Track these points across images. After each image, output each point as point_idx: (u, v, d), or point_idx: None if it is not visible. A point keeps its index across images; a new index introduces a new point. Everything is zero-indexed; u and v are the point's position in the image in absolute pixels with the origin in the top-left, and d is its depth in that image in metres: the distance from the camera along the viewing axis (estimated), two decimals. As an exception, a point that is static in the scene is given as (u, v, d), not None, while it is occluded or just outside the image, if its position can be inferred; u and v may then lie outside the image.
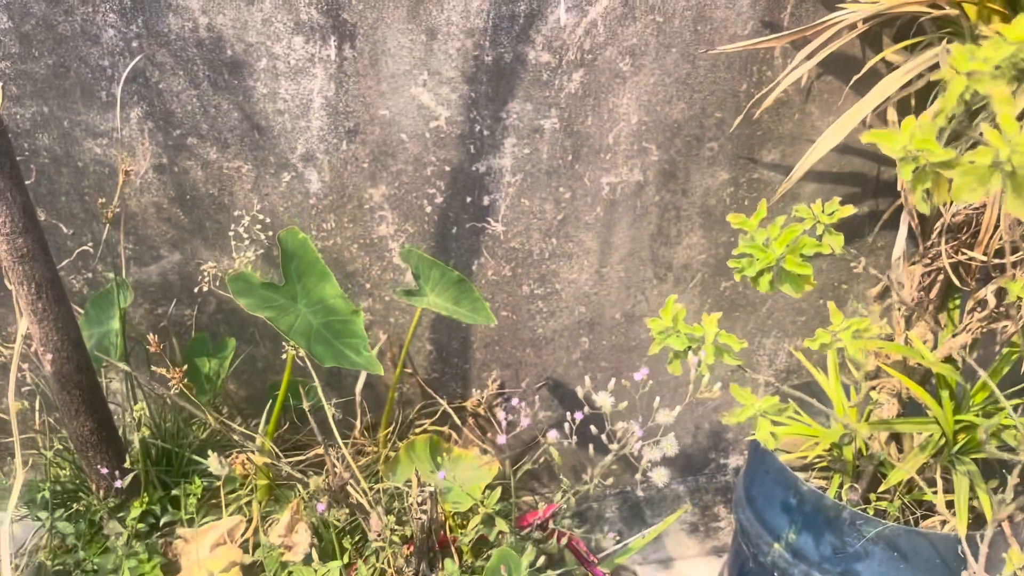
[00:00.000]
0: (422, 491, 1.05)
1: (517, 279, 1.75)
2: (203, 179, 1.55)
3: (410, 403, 1.86)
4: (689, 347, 0.94)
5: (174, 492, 1.37)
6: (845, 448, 1.65)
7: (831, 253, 0.96)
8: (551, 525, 1.19)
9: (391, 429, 1.61)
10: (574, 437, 0.99)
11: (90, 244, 1.56)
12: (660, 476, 0.92)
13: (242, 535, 1.28)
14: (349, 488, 1.12)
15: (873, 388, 1.69)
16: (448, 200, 1.65)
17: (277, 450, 1.30)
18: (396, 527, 1.13)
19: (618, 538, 1.44)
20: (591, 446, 1.05)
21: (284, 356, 1.23)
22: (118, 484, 1.23)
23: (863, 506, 1.60)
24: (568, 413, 1.00)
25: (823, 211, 0.92)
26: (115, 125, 1.47)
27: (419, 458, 1.19)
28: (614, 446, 0.94)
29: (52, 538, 1.31)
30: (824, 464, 1.69)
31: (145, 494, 1.36)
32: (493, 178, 1.64)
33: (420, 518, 1.09)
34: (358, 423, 1.65)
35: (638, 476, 0.93)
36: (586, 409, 0.99)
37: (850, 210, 0.92)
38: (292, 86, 1.49)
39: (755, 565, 1.76)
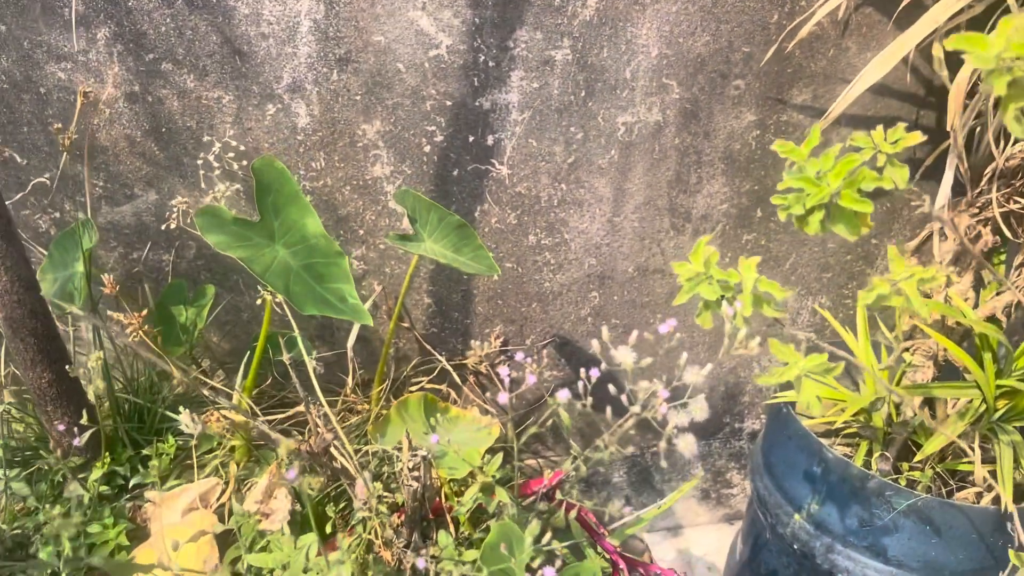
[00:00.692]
0: (413, 455, 0.93)
1: (523, 228, 1.62)
2: (180, 110, 1.40)
3: (406, 359, 1.74)
4: (723, 296, 0.81)
5: (145, 451, 1.25)
6: (875, 414, 1.52)
7: (888, 191, 0.82)
8: (557, 495, 1.07)
9: (385, 386, 1.48)
10: (589, 399, 0.86)
11: (48, 177, 1.42)
12: (688, 445, 0.79)
13: (217, 499, 1.16)
14: (333, 450, 1.00)
15: (907, 349, 1.56)
16: (449, 139, 1.50)
17: (254, 407, 1.18)
18: (385, 494, 1.01)
19: (629, 508, 1.33)
20: (608, 408, 0.92)
21: (260, 302, 1.10)
22: (77, 442, 1.11)
23: (894, 476, 1.48)
24: (583, 370, 0.87)
25: (885, 139, 0.78)
26: (81, 47, 1.33)
27: (412, 418, 1.07)
28: (635, 408, 0.81)
29: (9, 500, 1.19)
30: (853, 431, 1.57)
31: (108, 454, 1.24)
32: (498, 115, 1.50)
33: (411, 485, 0.97)
34: (349, 379, 1.52)
35: (662, 444, 0.80)
36: (603, 366, 0.86)
37: (917, 137, 0.78)
38: (277, 6, 1.34)
39: (773, 536, 1.65)
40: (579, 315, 1.75)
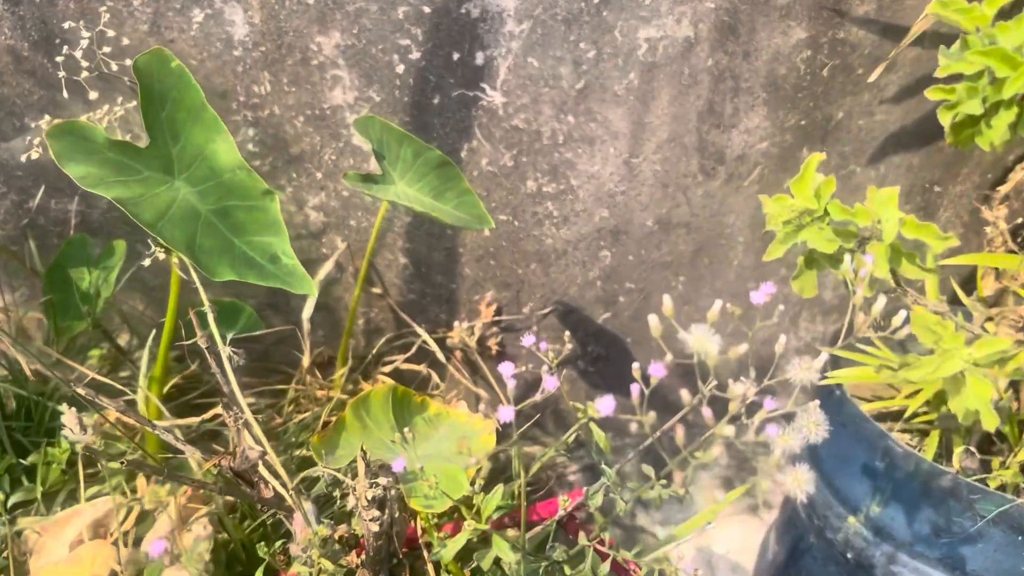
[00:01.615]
0: (374, 484, 0.64)
1: (520, 171, 1.31)
2: (76, 13, 1.08)
3: (379, 332, 1.44)
4: (844, 249, 0.52)
5: (31, 459, 0.95)
6: (953, 399, 1.24)
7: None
8: (573, 517, 0.79)
9: (348, 368, 1.19)
10: (648, 412, 0.57)
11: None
12: (801, 481, 0.51)
13: (121, 524, 0.87)
14: (262, 471, 0.71)
15: (990, 318, 1.28)
16: (427, 56, 1.19)
17: (161, 406, 0.89)
18: (336, 531, 0.72)
19: (661, 527, 1.06)
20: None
21: (146, 263, 0.80)
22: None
23: (981, 476, 1.21)
24: (638, 368, 0.58)
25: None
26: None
27: (375, 421, 0.78)
28: (726, 429, 0.53)
29: None
30: (924, 419, 1.29)
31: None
32: (490, 26, 1.18)
33: (373, 523, 0.68)
34: (305, 359, 1.23)
35: (764, 482, 0.53)
36: (667, 358, 0.58)
37: None
38: None
39: (819, 541, 1.38)
40: (587, 278, 1.45)
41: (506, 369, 0.61)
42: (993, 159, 1.49)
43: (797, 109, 1.36)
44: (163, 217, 0.72)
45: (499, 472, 1.16)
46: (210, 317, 0.71)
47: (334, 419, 0.77)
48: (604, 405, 0.54)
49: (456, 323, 1.43)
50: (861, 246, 0.54)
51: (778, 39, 1.29)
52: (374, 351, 1.34)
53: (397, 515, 0.71)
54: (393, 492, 0.69)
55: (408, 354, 1.36)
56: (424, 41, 1.18)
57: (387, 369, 1.29)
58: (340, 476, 0.67)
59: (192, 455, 0.74)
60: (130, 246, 1.15)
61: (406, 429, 0.75)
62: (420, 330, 1.36)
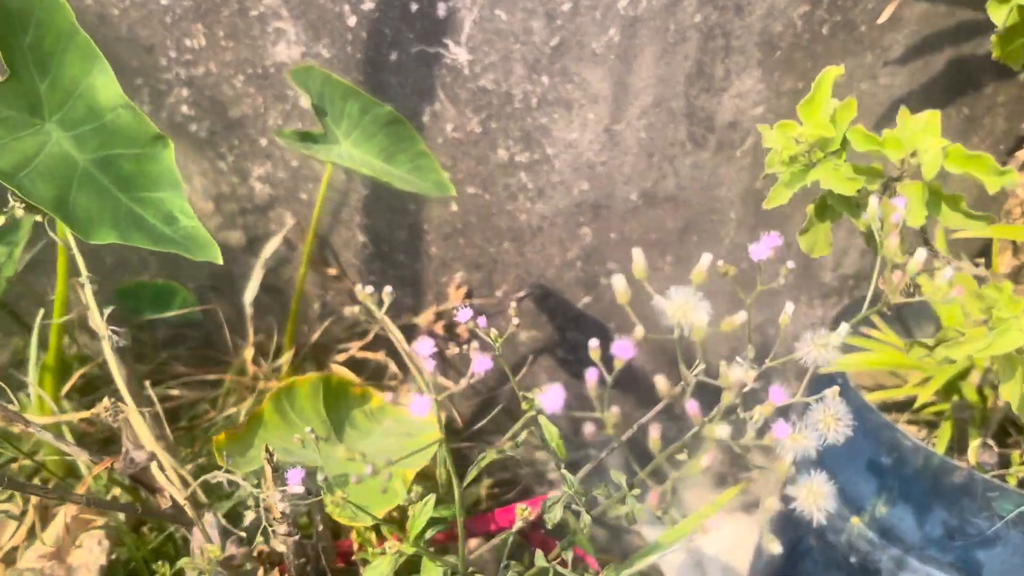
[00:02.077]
0: (284, 495, 0.52)
1: (490, 138, 1.19)
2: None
3: (338, 319, 1.32)
4: (867, 191, 0.40)
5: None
6: (967, 387, 1.13)
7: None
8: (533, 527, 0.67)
9: (291, 355, 1.06)
10: (611, 408, 0.45)
11: None
12: (817, 496, 0.40)
13: (9, 540, 0.74)
14: (156, 473, 0.59)
15: (1008, 299, 1.17)
16: (382, 7, 1.06)
17: (51, 403, 0.76)
18: (254, 546, 0.60)
19: (640, 532, 0.94)
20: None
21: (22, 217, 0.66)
22: None
23: (999, 472, 1.09)
24: (596, 347, 0.46)
25: None
26: None
27: (301, 415, 0.66)
28: (720, 430, 0.41)
29: None
30: (933, 409, 1.17)
31: None
32: (452, -27, 1.06)
33: (288, 538, 0.55)
34: (248, 349, 1.10)
35: (770, 501, 0.41)
36: (638, 330, 0.46)
37: None
38: None
39: (819, 543, 1.26)
40: (565, 258, 1.33)
41: (423, 347, 0.49)
42: (1007, 126, 1.37)
43: (794, 71, 1.23)
44: (27, 167, 0.59)
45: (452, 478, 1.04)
46: (87, 289, 0.58)
47: (248, 418, 0.64)
48: (551, 397, 0.42)
49: (423, 307, 1.30)
50: (889, 188, 0.42)
51: (774, -9, 1.16)
52: (315, 337, 1.21)
53: (321, 528, 0.58)
54: (312, 502, 0.57)
55: (365, 340, 1.24)
56: (377, -11, 1.06)
57: (341, 357, 1.16)
58: (242, 482, 0.55)
59: (78, 456, 0.62)
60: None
61: (341, 420, 0.62)
62: (379, 313, 1.23)
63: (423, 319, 1.29)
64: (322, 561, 0.61)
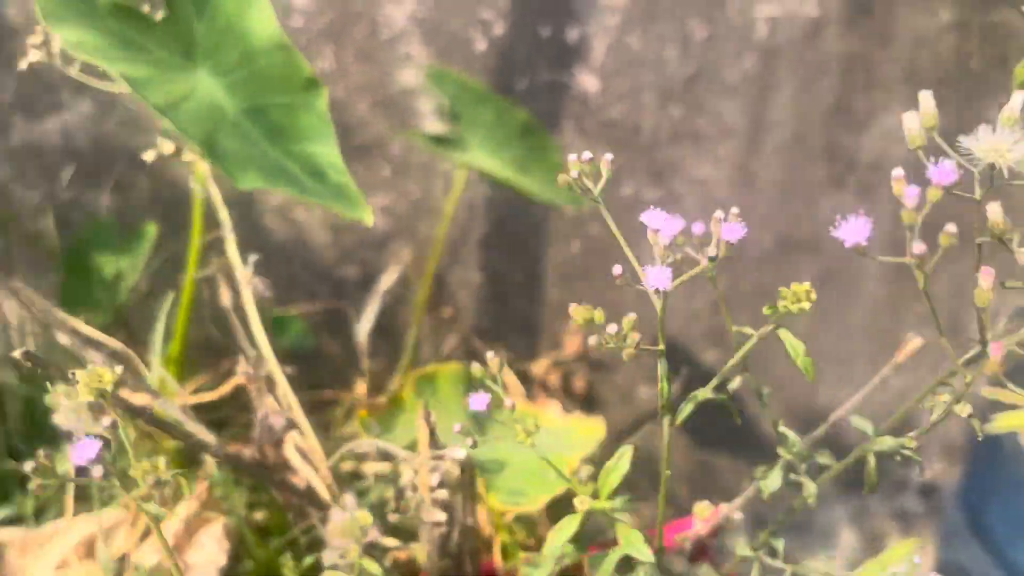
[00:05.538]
0: (439, 460, 0.44)
1: (616, 172, 1.13)
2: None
3: (439, 359, 1.25)
4: None
5: (30, 466, 0.78)
6: None
7: None
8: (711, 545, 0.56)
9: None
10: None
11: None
12: None
13: (121, 542, 0.68)
14: (290, 452, 0.52)
15: None
16: (513, 32, 1.04)
17: (173, 382, 0.70)
18: (389, 542, 0.52)
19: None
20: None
21: (148, 156, 0.61)
22: None
23: None
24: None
25: None
26: None
27: (443, 405, 0.59)
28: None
29: None
30: None
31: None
32: (586, -3, 1.04)
33: (439, 525, 0.47)
34: (361, 384, 1.04)
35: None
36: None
37: None
38: None
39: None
40: (692, 308, 1.24)
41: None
42: None
43: (942, 108, 1.15)
44: (179, 109, 0.56)
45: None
46: (231, 245, 0.53)
47: (388, 399, 0.57)
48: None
49: (538, 354, 1.23)
50: None
51: (920, 20, 1.10)
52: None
53: (469, 522, 0.50)
54: (466, 482, 0.48)
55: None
56: (509, 14, 1.04)
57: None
58: (397, 450, 0.47)
59: (202, 434, 0.55)
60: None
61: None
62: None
63: (539, 368, 1.22)
64: (465, 566, 0.52)
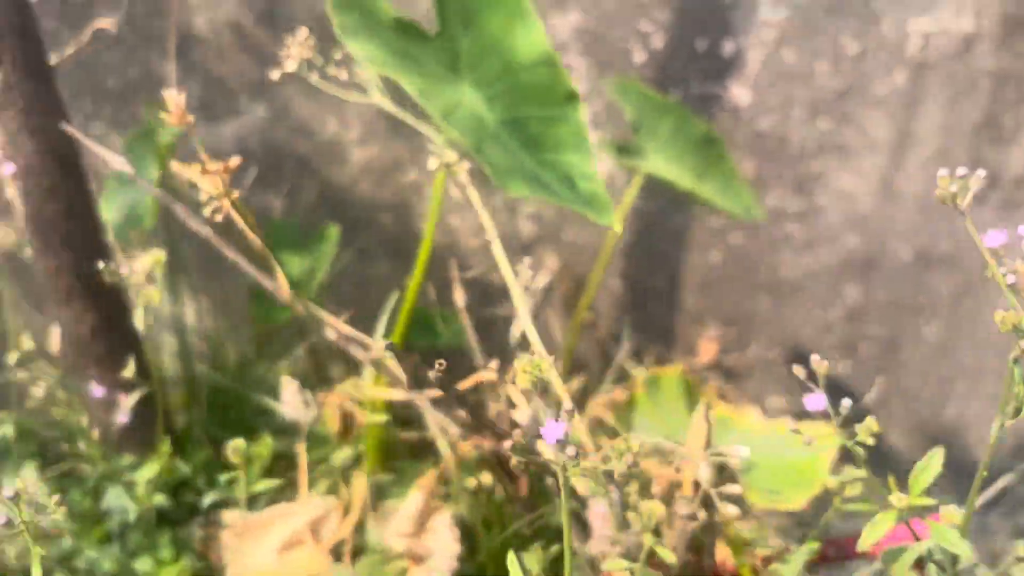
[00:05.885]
0: (718, 456, 0.46)
1: (762, 183, 1.15)
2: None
3: (581, 367, 1.27)
4: None
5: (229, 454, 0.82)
6: None
7: None
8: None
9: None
10: None
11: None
12: None
13: (334, 530, 0.72)
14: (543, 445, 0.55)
15: None
16: (671, 45, 1.07)
17: (400, 371, 0.74)
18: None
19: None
20: None
21: (431, 165, 0.65)
22: (122, 419, 0.69)
23: None
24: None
25: None
26: None
27: (668, 407, 0.62)
28: None
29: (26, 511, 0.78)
30: None
31: (173, 453, 0.81)
32: (744, 12, 1.06)
33: (692, 519, 0.49)
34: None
35: None
36: None
37: None
38: None
39: None
40: (826, 318, 1.25)
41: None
42: None
43: (1091, 125, 1.15)
44: (449, 117, 0.59)
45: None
46: (497, 247, 0.56)
47: (622, 400, 0.60)
48: None
49: (670, 359, 1.25)
50: None
51: (1075, 38, 1.10)
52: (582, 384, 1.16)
53: (714, 520, 0.52)
54: (722, 483, 0.51)
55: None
56: (668, 27, 1.06)
57: (602, 400, 1.11)
58: (671, 444, 0.50)
59: (444, 425, 0.59)
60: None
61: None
62: (633, 366, 1.19)
63: (671, 372, 1.24)
64: (705, 560, 0.54)
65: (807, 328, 1.26)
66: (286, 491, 0.82)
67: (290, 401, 0.70)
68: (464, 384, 0.65)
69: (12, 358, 0.72)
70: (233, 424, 0.87)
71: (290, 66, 0.68)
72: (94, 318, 0.74)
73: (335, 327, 0.68)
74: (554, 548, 0.57)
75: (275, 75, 0.75)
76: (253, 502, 0.78)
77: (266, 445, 0.83)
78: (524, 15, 0.64)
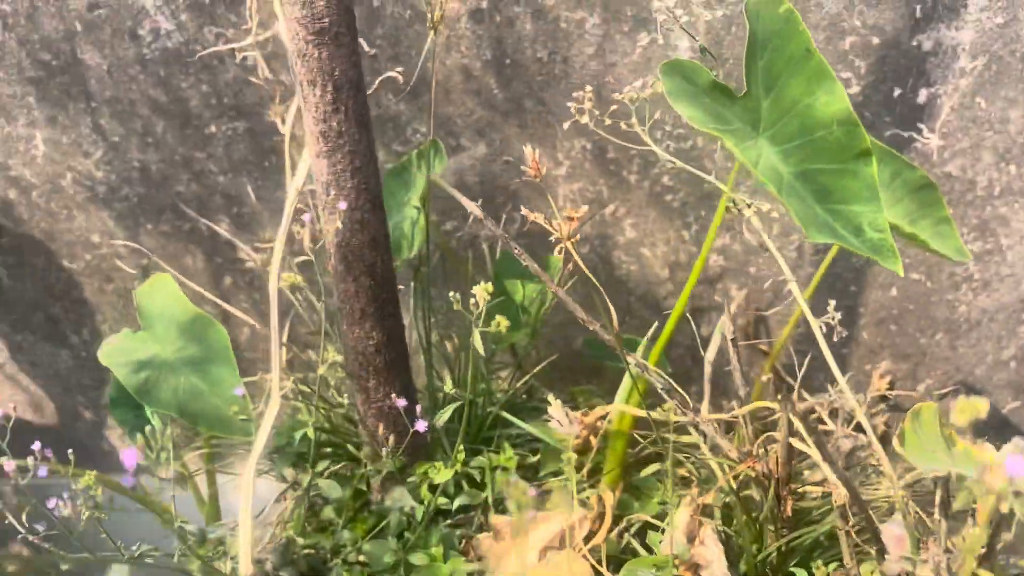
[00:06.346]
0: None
1: (945, 223, 1.19)
2: (531, 35, 1.11)
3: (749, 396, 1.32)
4: None
5: (473, 463, 0.90)
6: None
7: None
8: None
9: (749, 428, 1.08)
10: None
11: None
12: None
13: (586, 538, 0.78)
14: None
15: None
16: (867, 91, 1.12)
17: (667, 379, 0.80)
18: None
19: None
20: None
21: (747, 214, 0.72)
22: (420, 426, 0.77)
23: None
24: None
25: None
26: (426, -55, 1.07)
27: (927, 438, 0.66)
28: None
29: (304, 507, 0.87)
30: None
31: (428, 462, 0.90)
32: (940, 60, 1.10)
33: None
34: (704, 406, 1.13)
35: None
36: None
37: None
38: None
39: None
40: (999, 356, 1.28)
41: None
42: None
43: None
44: (755, 168, 0.66)
45: None
46: (794, 287, 0.62)
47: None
48: None
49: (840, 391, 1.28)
50: None
51: None
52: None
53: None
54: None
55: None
56: (866, 74, 1.11)
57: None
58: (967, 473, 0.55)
59: (725, 447, 0.65)
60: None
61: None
62: (814, 399, 1.23)
63: (845, 406, 1.27)
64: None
65: (979, 366, 1.29)
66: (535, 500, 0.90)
67: (556, 415, 0.77)
68: (802, 406, 0.71)
69: (321, 368, 0.81)
70: (470, 435, 0.95)
71: (584, 119, 0.75)
72: (379, 336, 0.82)
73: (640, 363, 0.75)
74: (832, 566, 0.62)
75: (565, 124, 0.82)
76: (496, 506, 0.86)
77: (509, 458, 0.90)
78: (824, 79, 0.70)
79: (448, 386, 0.96)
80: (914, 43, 1.09)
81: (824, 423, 0.97)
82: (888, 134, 1.15)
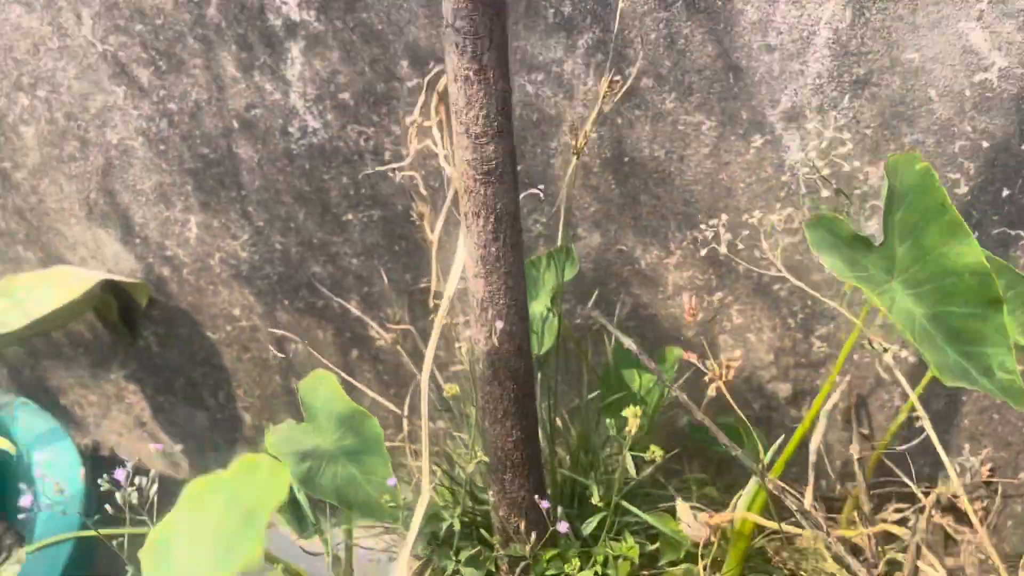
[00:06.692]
0: None
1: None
2: (649, 136, 1.18)
3: (848, 477, 1.36)
4: None
5: (597, 551, 0.96)
6: None
7: None
8: None
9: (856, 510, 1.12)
10: None
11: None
12: None
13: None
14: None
15: None
16: (976, 191, 1.16)
17: (798, 496, 0.86)
18: None
19: None
20: None
21: (886, 356, 0.77)
22: (563, 527, 0.83)
23: None
24: None
25: None
26: (557, 55, 1.15)
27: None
28: None
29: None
30: None
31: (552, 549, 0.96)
32: (1050, 164, 1.13)
33: None
34: (808, 493, 1.17)
35: None
36: None
37: None
38: (793, 11, 1.08)
39: None
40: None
41: None
42: None
43: None
44: (891, 311, 0.71)
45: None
46: (926, 423, 0.67)
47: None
48: None
49: (938, 477, 1.31)
50: None
51: None
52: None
53: None
54: None
55: (899, 506, 1.26)
56: (975, 175, 1.15)
57: (893, 519, 1.19)
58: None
59: (854, 567, 0.69)
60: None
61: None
62: (911, 483, 1.26)
63: (942, 490, 1.30)
64: None
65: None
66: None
67: (683, 512, 0.83)
68: (889, 526, 0.75)
69: (470, 466, 0.88)
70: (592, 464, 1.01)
71: (718, 244, 0.81)
72: (518, 434, 0.90)
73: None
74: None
75: (703, 251, 0.89)
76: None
77: (631, 547, 0.96)
78: (959, 231, 0.75)
79: (568, 470, 1.02)
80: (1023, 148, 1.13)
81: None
82: (995, 232, 1.18)
